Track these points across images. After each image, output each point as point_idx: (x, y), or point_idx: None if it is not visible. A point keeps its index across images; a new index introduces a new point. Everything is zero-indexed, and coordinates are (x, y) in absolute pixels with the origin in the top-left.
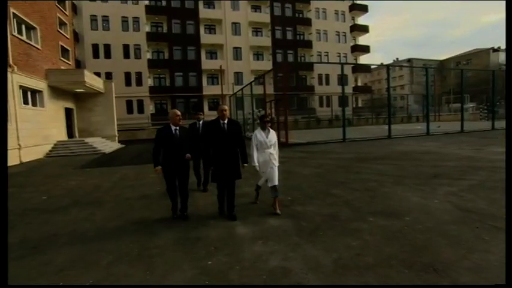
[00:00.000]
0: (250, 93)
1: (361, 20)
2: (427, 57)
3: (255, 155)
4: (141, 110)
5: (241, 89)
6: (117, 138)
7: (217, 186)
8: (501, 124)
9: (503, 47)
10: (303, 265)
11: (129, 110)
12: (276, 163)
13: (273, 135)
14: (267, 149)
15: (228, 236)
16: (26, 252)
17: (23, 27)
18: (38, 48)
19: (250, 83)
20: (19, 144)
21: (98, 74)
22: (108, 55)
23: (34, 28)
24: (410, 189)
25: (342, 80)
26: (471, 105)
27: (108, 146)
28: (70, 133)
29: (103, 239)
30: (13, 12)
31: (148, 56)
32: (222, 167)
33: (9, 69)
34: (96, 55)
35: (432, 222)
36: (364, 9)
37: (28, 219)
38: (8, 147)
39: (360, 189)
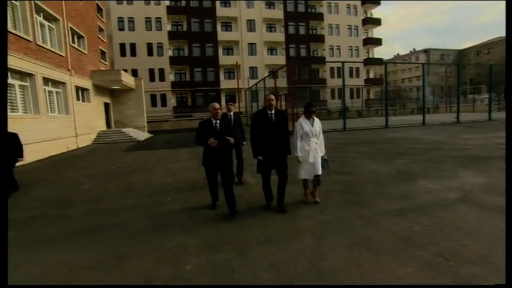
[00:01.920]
0: (267, 86)
1: (378, 11)
2: (447, 47)
3: (299, 144)
4: (164, 103)
5: (256, 84)
6: (146, 128)
7: (262, 177)
8: (502, 115)
9: None
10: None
11: (153, 104)
12: (321, 152)
13: (317, 123)
14: (312, 137)
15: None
16: (122, 193)
17: (75, 37)
18: (85, 54)
19: (264, 79)
20: (76, 133)
21: (124, 71)
22: (133, 53)
23: (83, 37)
24: (374, 161)
25: (343, 75)
26: (486, 96)
27: (141, 135)
28: (108, 124)
29: (166, 186)
30: (70, 27)
31: (170, 53)
32: (269, 157)
33: (68, 73)
34: (123, 53)
35: (372, 177)
36: (376, 2)
37: (113, 177)
38: (68, 135)
39: (337, 161)
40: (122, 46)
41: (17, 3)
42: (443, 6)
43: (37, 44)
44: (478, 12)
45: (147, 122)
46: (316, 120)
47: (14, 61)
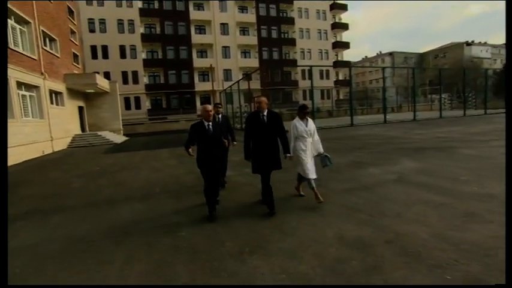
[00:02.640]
0: (241, 88)
1: (347, 15)
2: (410, 50)
3: (292, 145)
4: (138, 106)
5: (230, 86)
6: (122, 131)
7: (261, 179)
8: (453, 113)
9: (485, 39)
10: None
11: (127, 107)
12: (318, 151)
13: (311, 124)
14: (308, 138)
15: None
16: (114, 188)
17: (47, 40)
18: (58, 57)
19: (238, 81)
20: (51, 137)
21: (97, 74)
22: (105, 56)
23: (55, 40)
24: (337, 154)
25: (311, 78)
26: (444, 96)
27: (117, 138)
28: (82, 128)
29: (153, 180)
30: (42, 30)
31: (144, 55)
32: (263, 158)
33: (41, 77)
34: (94, 56)
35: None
36: (343, 7)
37: (101, 176)
38: (44, 139)
39: None
40: (93, 48)
41: None
42: (407, 11)
43: (9, 48)
44: (438, 18)
45: (122, 125)
46: (310, 121)
47: None
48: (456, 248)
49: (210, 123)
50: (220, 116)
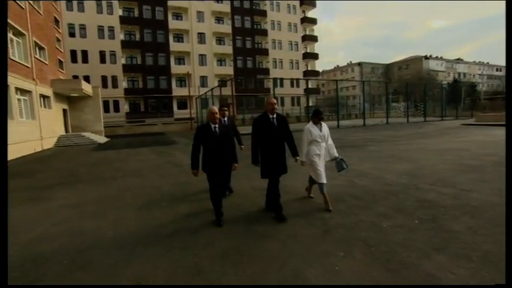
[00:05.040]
0: (215, 94)
1: (322, 23)
2: (383, 57)
3: (305, 149)
4: (117, 109)
5: (205, 93)
6: (103, 133)
7: (269, 182)
8: (399, 120)
9: (449, 50)
10: None
11: (106, 109)
12: (334, 155)
13: (325, 128)
14: (322, 142)
15: None
16: (113, 171)
17: (37, 49)
18: (46, 64)
19: (212, 89)
20: (41, 136)
21: (76, 78)
22: (85, 60)
23: (44, 48)
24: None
25: (273, 87)
26: (403, 103)
27: (100, 138)
28: (66, 129)
29: (140, 166)
30: (34, 40)
31: (123, 61)
32: (274, 162)
33: (33, 83)
34: (74, 60)
35: None
36: (313, 21)
37: (99, 164)
38: (35, 138)
39: None
40: (73, 52)
41: None
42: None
43: (10, 58)
44: (407, 29)
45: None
46: (324, 126)
47: None
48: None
49: (217, 126)
50: (226, 119)
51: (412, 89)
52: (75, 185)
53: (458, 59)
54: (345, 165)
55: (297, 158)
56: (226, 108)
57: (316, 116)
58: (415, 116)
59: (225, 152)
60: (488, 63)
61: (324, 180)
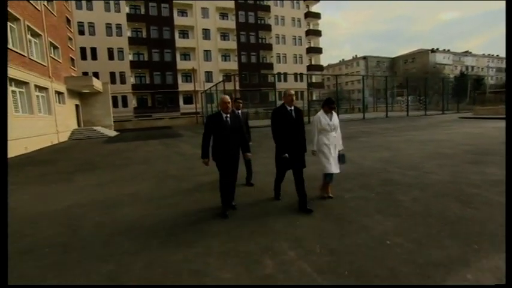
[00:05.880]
0: (220, 89)
1: (328, 16)
2: (389, 51)
3: (316, 139)
4: (125, 104)
5: (210, 88)
6: (113, 127)
7: (278, 173)
8: (399, 114)
9: (458, 43)
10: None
11: (115, 105)
12: (339, 147)
13: (335, 118)
14: (331, 132)
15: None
16: (124, 160)
17: (52, 48)
18: (60, 62)
19: (216, 84)
20: (57, 130)
21: (85, 74)
22: (94, 57)
23: (57, 48)
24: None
25: (275, 79)
26: (409, 98)
27: (110, 132)
28: (78, 123)
29: (149, 156)
30: (49, 40)
31: (130, 57)
32: (291, 154)
33: (49, 80)
34: (84, 57)
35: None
36: (317, 16)
37: (112, 155)
38: (52, 132)
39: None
40: (83, 50)
41: (14, 25)
42: (386, 14)
43: (30, 58)
44: (414, 23)
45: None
46: (335, 115)
47: (13, 72)
48: None
49: (228, 116)
50: (240, 111)
51: (416, 83)
52: (93, 171)
53: (466, 51)
54: (342, 160)
55: (312, 150)
56: (241, 101)
57: (328, 104)
58: (418, 109)
59: (235, 142)
60: (498, 55)
61: (334, 170)
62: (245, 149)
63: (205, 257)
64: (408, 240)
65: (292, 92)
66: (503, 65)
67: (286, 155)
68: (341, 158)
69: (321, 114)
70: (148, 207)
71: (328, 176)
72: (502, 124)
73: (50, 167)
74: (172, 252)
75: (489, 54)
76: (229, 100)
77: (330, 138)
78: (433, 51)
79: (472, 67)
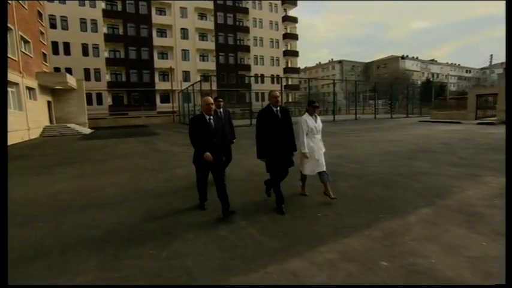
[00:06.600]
0: (197, 89)
1: (307, 19)
2: (366, 56)
3: (305, 141)
4: (100, 101)
5: (187, 88)
6: (87, 124)
7: (271, 175)
8: (368, 116)
9: (426, 51)
10: None
11: (89, 102)
12: (323, 149)
13: (319, 120)
14: (316, 134)
15: None
16: (104, 155)
17: (23, 43)
18: (31, 57)
19: (193, 84)
20: (28, 126)
21: (57, 70)
22: (67, 52)
23: (29, 42)
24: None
25: (249, 81)
26: (379, 101)
27: (84, 130)
28: (50, 120)
29: (128, 152)
30: (20, 34)
31: (106, 54)
32: (278, 155)
33: (20, 75)
34: (56, 52)
35: (246, 146)
36: (294, 20)
37: (89, 151)
38: (23, 128)
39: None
40: (55, 44)
41: None
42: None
43: None
44: (389, 29)
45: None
46: (318, 118)
47: None
48: None
49: (211, 117)
50: (221, 110)
51: (387, 88)
52: (72, 165)
53: (432, 60)
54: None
55: (294, 152)
56: (221, 100)
57: (311, 106)
58: (387, 112)
59: (218, 145)
60: (459, 65)
61: (309, 173)
62: (227, 155)
63: (175, 226)
64: (334, 213)
65: (277, 93)
66: (464, 74)
67: (265, 159)
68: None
69: (306, 116)
70: (130, 191)
71: (321, 175)
72: (451, 127)
73: (26, 162)
74: (150, 221)
75: (452, 63)
76: (212, 101)
77: (315, 141)
78: (403, 58)
79: (438, 74)
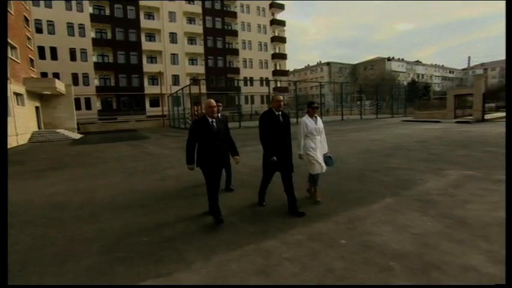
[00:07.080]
0: (186, 93)
1: (296, 22)
2: (355, 57)
3: (302, 143)
4: (88, 106)
5: (177, 91)
6: (76, 130)
7: (264, 178)
8: (355, 117)
9: (412, 53)
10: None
11: (78, 107)
12: (324, 150)
13: (320, 121)
14: (317, 135)
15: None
16: (96, 158)
17: (9, 48)
18: (18, 63)
19: (183, 88)
20: (16, 132)
21: (45, 74)
22: (54, 57)
23: (15, 48)
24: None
25: (237, 84)
26: (367, 102)
27: (74, 135)
28: (38, 126)
29: (120, 156)
30: (7, 41)
31: (95, 59)
32: (283, 158)
33: (8, 81)
34: (42, 56)
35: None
36: (282, 24)
37: (81, 155)
38: (11, 134)
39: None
40: (41, 49)
41: None
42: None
43: None
44: (376, 31)
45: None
46: (319, 119)
47: None
48: None
49: (214, 120)
50: (219, 114)
51: (374, 89)
52: (65, 169)
53: (417, 61)
54: (330, 162)
55: (298, 153)
56: (220, 104)
57: (311, 106)
58: (374, 113)
59: (224, 146)
60: (443, 66)
61: (319, 171)
62: (234, 152)
63: (166, 219)
64: (306, 204)
65: (281, 98)
66: (448, 74)
67: (274, 158)
68: (329, 160)
69: (306, 118)
70: (123, 191)
71: (316, 176)
72: (431, 126)
73: (18, 167)
74: (141, 214)
75: (436, 64)
76: (215, 104)
77: (316, 142)
78: (389, 59)
79: (422, 75)
